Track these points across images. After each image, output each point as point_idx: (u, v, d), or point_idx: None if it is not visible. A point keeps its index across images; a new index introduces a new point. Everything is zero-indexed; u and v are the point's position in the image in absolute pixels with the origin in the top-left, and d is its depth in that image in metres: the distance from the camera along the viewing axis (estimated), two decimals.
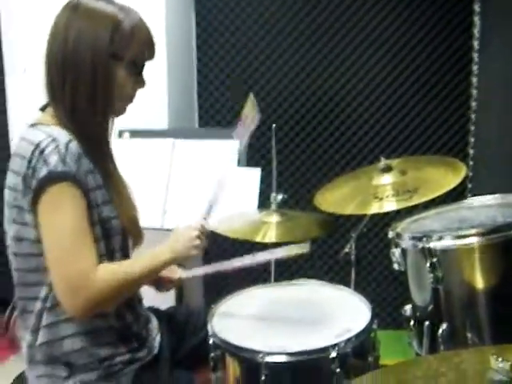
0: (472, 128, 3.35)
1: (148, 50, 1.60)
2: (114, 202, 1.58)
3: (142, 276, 1.58)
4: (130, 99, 1.63)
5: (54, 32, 1.54)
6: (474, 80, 3.30)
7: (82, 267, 1.45)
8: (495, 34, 2.98)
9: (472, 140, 3.37)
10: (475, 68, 3.29)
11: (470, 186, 3.32)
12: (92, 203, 1.50)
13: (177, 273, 1.91)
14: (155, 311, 1.91)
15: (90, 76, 1.51)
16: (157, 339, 1.78)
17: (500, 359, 0.95)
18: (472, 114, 3.34)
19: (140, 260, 1.60)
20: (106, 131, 1.61)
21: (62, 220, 1.44)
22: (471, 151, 3.37)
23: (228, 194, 2.41)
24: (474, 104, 3.33)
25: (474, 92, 3.31)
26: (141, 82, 1.62)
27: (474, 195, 3.23)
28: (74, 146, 1.47)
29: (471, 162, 3.35)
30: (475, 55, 3.27)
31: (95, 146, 1.55)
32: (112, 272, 1.50)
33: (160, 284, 1.91)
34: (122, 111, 1.64)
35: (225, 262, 1.81)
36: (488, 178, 3.07)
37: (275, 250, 1.78)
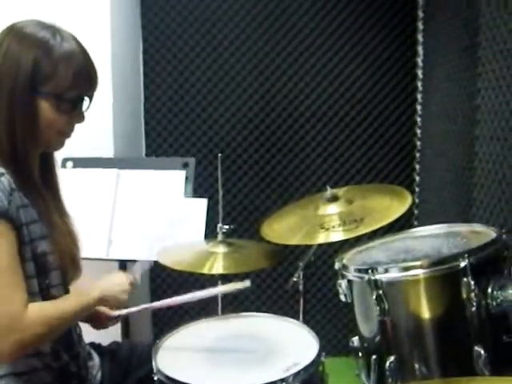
0: (417, 155, 3.41)
1: (84, 82, 1.51)
2: (51, 236, 1.52)
3: (73, 314, 1.52)
4: (65, 134, 1.55)
5: None
6: (419, 108, 3.36)
7: (11, 309, 1.37)
8: (437, 65, 3.05)
9: (417, 167, 3.42)
10: (419, 96, 3.35)
11: (416, 212, 3.36)
12: (25, 239, 1.44)
13: (115, 310, 1.85)
14: (97, 347, 1.85)
15: (8, 111, 1.43)
16: (97, 378, 1.72)
17: None
18: (417, 141, 3.40)
19: (70, 298, 1.56)
20: (33, 165, 1.52)
21: None
22: (417, 178, 3.42)
23: (175, 224, 2.39)
24: (418, 131, 3.39)
25: (419, 120, 3.38)
26: (77, 117, 1.53)
27: (420, 222, 3.31)
28: (6, 180, 1.40)
29: (417, 189, 3.40)
30: (419, 83, 3.34)
31: (26, 180, 1.48)
32: (42, 312, 1.43)
33: (97, 321, 1.84)
34: (57, 146, 1.57)
35: (165, 300, 1.82)
36: (434, 205, 3.12)
37: (216, 287, 1.85)
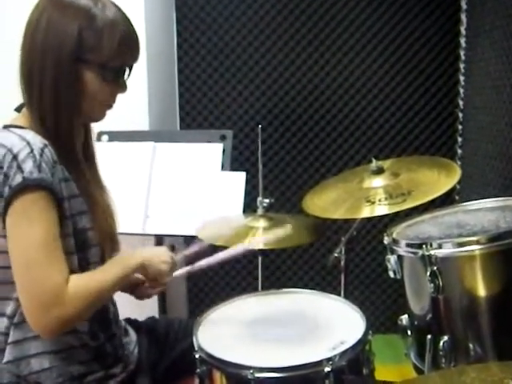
0: (459, 127, 3.30)
1: (128, 51, 1.47)
2: (91, 212, 1.48)
3: (115, 283, 1.47)
4: (108, 105, 1.52)
5: (28, 24, 1.43)
6: (461, 78, 3.25)
7: (52, 283, 1.33)
8: (482, 33, 2.92)
9: (460, 139, 3.31)
10: (462, 66, 3.24)
11: (458, 186, 3.26)
12: (66, 213, 1.41)
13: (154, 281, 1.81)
14: (133, 323, 1.82)
15: (53, 80, 1.40)
16: (134, 353, 1.69)
17: None
18: (459, 113, 3.29)
19: (111, 267, 1.49)
20: (77, 137, 1.49)
21: (33, 231, 1.33)
22: (459, 151, 3.31)
23: (213, 199, 2.34)
24: (461, 103, 3.28)
25: (461, 91, 3.26)
26: (120, 88, 1.50)
27: (462, 197, 3.21)
28: (49, 151, 1.36)
29: (459, 162, 3.29)
30: (462, 53, 3.22)
31: (68, 152, 1.44)
32: (84, 285, 1.39)
33: (140, 290, 1.80)
34: (99, 117, 1.53)
35: (208, 258, 1.75)
36: (477, 179, 3.01)
37: (258, 238, 1.84)
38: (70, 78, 1.40)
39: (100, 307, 1.49)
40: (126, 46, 1.45)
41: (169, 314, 2.67)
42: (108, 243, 1.53)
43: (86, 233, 1.47)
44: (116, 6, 1.46)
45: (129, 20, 1.48)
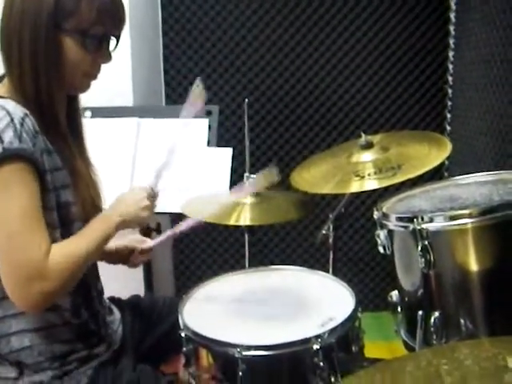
0: (449, 103, 3.27)
1: (109, 19, 1.41)
2: (74, 186, 1.43)
3: (96, 247, 1.43)
4: (91, 75, 1.46)
5: None
6: (451, 54, 3.21)
7: (34, 255, 1.29)
8: (472, 8, 2.88)
9: (449, 115, 3.28)
10: (452, 42, 3.20)
11: (446, 162, 3.23)
12: (48, 186, 1.36)
13: (146, 242, 1.81)
14: (117, 301, 1.79)
15: (31, 47, 1.34)
16: (118, 332, 1.66)
17: None
18: (449, 89, 3.25)
19: (89, 231, 1.44)
20: (58, 108, 1.43)
21: (12, 202, 1.28)
22: (448, 127, 3.29)
23: (199, 175, 2.30)
24: (450, 79, 3.24)
25: (450, 66, 3.23)
26: (103, 57, 1.45)
27: (451, 172, 3.19)
28: (30, 121, 1.32)
29: (448, 138, 3.26)
30: (452, 28, 3.18)
31: (50, 123, 1.39)
32: (66, 254, 1.35)
33: (130, 259, 1.79)
34: (82, 87, 1.48)
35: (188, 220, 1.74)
36: (466, 155, 2.99)
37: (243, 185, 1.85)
38: (48, 45, 1.35)
39: (82, 281, 1.45)
40: (108, 12, 1.39)
41: (155, 292, 2.64)
42: (92, 217, 1.48)
43: (69, 207, 1.42)
44: None
45: None
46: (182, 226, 1.73)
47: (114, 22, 1.43)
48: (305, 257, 3.46)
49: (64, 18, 1.35)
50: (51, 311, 1.42)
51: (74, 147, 1.49)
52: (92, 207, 1.50)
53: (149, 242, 1.81)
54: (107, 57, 1.46)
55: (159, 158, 1.72)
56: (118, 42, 1.47)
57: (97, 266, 1.65)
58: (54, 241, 1.35)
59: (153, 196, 1.62)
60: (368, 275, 3.48)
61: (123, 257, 1.78)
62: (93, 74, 1.46)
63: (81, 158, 1.53)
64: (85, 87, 1.48)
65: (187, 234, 1.73)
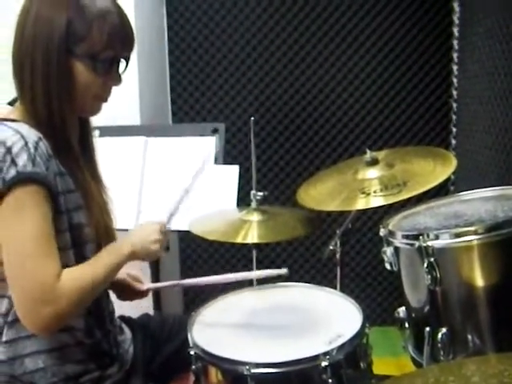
0: (454, 117, 3.28)
1: (120, 43, 1.43)
2: (87, 207, 1.45)
3: (107, 275, 1.44)
4: (102, 98, 1.48)
5: (18, 16, 1.40)
6: (455, 68, 3.23)
7: (45, 279, 1.30)
8: (475, 21, 2.90)
9: (454, 129, 3.29)
10: (455, 55, 3.21)
11: (452, 177, 3.24)
12: (61, 208, 1.38)
13: (144, 284, 1.83)
14: (128, 321, 1.80)
15: (43, 70, 1.37)
16: (129, 352, 1.67)
17: None
18: (453, 103, 3.27)
19: (101, 258, 1.46)
20: (71, 131, 1.45)
21: (25, 226, 1.30)
22: (453, 141, 3.30)
23: (206, 193, 2.31)
24: (454, 92, 3.26)
25: (455, 80, 3.24)
26: (113, 80, 1.47)
27: (457, 187, 3.20)
28: (44, 145, 1.34)
29: (454, 153, 3.27)
30: (455, 42, 3.20)
31: (63, 146, 1.41)
32: (76, 278, 1.36)
33: (125, 293, 1.81)
34: (93, 110, 1.50)
35: (196, 279, 1.79)
36: (472, 169, 3.00)
37: (252, 272, 1.88)
38: (60, 70, 1.37)
39: (94, 301, 1.47)
40: (117, 37, 1.41)
41: (164, 311, 2.65)
42: (104, 239, 1.50)
43: (82, 228, 1.44)
44: None
45: (121, 10, 1.44)
46: (188, 281, 1.79)
47: (123, 44, 1.45)
48: (312, 273, 3.47)
49: (75, 43, 1.37)
50: (64, 331, 1.43)
51: (86, 169, 1.50)
52: (104, 229, 1.51)
53: (145, 285, 1.83)
54: (117, 79, 1.48)
55: (174, 196, 1.75)
56: (127, 63, 1.49)
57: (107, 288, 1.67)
58: (67, 261, 1.38)
59: (164, 232, 1.62)
60: (375, 290, 3.48)
61: (117, 289, 1.79)
62: (103, 96, 1.49)
63: (93, 180, 1.55)
64: (96, 110, 1.50)
65: (191, 284, 1.79)
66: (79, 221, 1.43)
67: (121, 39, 1.43)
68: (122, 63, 1.48)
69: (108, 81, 1.46)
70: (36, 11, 1.37)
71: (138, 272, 1.84)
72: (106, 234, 1.52)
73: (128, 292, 1.80)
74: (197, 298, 3.40)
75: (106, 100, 1.50)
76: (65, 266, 1.36)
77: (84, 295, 1.38)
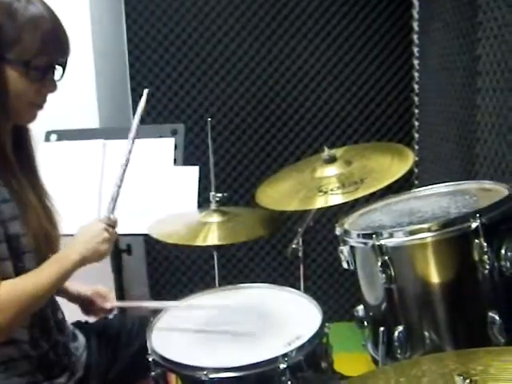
0: (416, 111, 3.29)
1: (53, 48, 1.40)
2: (23, 217, 1.41)
3: (52, 285, 1.41)
4: (36, 105, 1.44)
5: None
6: (416, 62, 3.24)
7: None
8: (434, 16, 2.91)
9: (416, 124, 3.31)
10: (416, 50, 3.22)
11: (416, 170, 3.25)
12: None
13: (110, 302, 1.82)
14: (83, 326, 1.77)
15: None
16: (82, 359, 1.64)
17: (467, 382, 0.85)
18: (415, 97, 3.28)
19: (46, 268, 1.42)
20: (4, 139, 1.41)
21: None
22: (416, 135, 3.31)
23: (165, 195, 2.29)
24: (416, 87, 3.27)
25: (416, 75, 3.26)
26: (47, 87, 1.43)
27: (421, 181, 3.21)
28: None
29: (417, 147, 3.29)
30: (415, 37, 3.21)
31: None
32: (15, 289, 1.34)
33: (89, 309, 1.80)
34: (28, 118, 1.46)
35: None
36: (435, 162, 3.01)
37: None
38: None
39: (38, 313, 1.44)
40: (51, 42, 1.38)
41: (128, 312, 2.61)
42: (45, 248, 1.47)
43: (18, 238, 1.40)
44: (43, 3, 1.39)
45: (55, 16, 1.41)
46: (154, 305, 1.83)
47: (58, 50, 1.42)
48: (279, 271, 3.45)
49: (6, 48, 1.33)
50: (9, 344, 1.41)
51: (22, 178, 1.46)
52: (45, 237, 1.48)
53: (111, 302, 1.82)
54: (52, 86, 1.45)
55: (110, 183, 1.71)
56: (64, 70, 1.46)
57: (54, 297, 1.63)
58: (4, 272, 1.35)
59: (111, 225, 1.58)
60: (339, 289, 3.47)
61: (83, 305, 1.79)
62: (39, 103, 1.45)
63: (32, 188, 1.50)
64: (31, 118, 1.47)
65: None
66: (16, 231, 1.40)
67: (54, 45, 1.40)
68: (58, 70, 1.45)
69: (42, 87, 1.42)
70: None
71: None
72: (46, 243, 1.48)
73: (93, 309, 1.79)
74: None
75: (41, 107, 1.46)
76: (4, 277, 1.33)
77: (24, 307, 1.35)
